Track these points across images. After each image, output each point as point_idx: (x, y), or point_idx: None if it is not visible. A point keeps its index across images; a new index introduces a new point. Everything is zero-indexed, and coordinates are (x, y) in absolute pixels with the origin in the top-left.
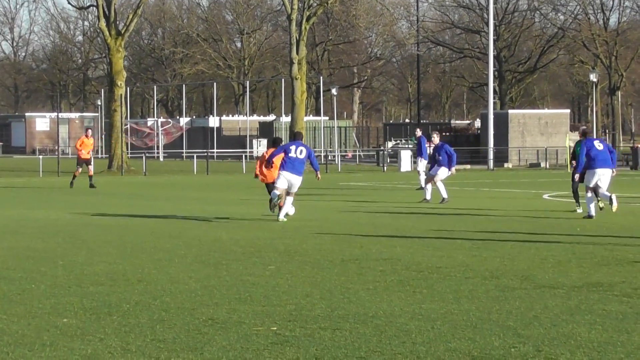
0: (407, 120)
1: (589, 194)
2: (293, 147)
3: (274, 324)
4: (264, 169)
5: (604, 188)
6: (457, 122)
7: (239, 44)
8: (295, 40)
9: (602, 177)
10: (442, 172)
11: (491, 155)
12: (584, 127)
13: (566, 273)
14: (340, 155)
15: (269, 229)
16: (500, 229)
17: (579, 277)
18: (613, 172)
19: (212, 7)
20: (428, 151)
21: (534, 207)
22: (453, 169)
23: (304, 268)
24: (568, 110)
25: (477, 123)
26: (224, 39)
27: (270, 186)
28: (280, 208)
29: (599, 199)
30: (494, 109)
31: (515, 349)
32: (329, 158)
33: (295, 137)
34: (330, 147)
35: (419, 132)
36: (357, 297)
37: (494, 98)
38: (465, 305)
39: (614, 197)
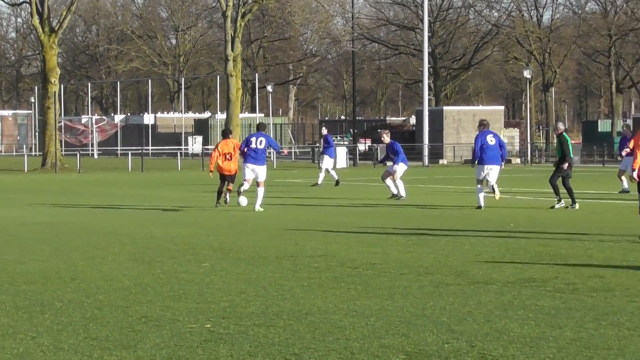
0: (342, 117)
1: (479, 186)
2: (254, 139)
3: (208, 321)
4: (219, 161)
5: (492, 181)
6: (392, 118)
7: (174, 41)
8: (230, 37)
9: (490, 171)
10: (400, 169)
11: (426, 152)
12: (484, 119)
13: (500, 269)
14: (276, 153)
15: (204, 226)
16: (435, 225)
17: (512, 273)
18: (501, 166)
19: (147, 4)
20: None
21: (469, 203)
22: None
23: (239, 265)
24: (502, 107)
25: (413, 120)
26: (159, 35)
27: (225, 178)
28: (226, 201)
29: (558, 200)
30: (429, 105)
31: (449, 344)
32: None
33: (258, 128)
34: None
35: (324, 131)
36: (291, 294)
37: (429, 95)
38: (400, 302)
39: (496, 187)
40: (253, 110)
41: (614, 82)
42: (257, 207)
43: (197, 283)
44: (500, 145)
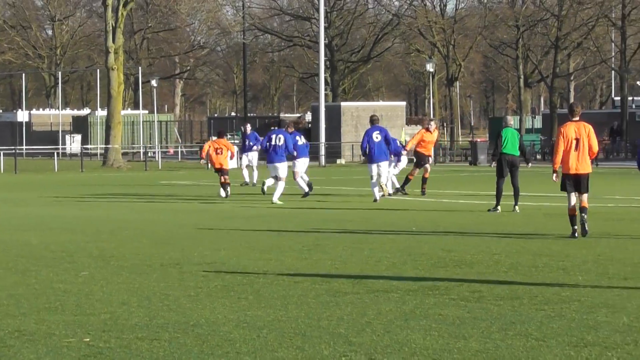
0: (233, 114)
1: (373, 180)
2: (273, 136)
3: (87, 335)
4: (214, 155)
5: (382, 178)
6: (286, 115)
7: (50, 32)
8: (111, 28)
9: (380, 168)
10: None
11: (323, 151)
12: (374, 114)
13: (401, 275)
14: (161, 152)
15: (83, 232)
16: (333, 229)
17: (414, 280)
18: (391, 162)
19: None
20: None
21: (367, 205)
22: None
23: (120, 274)
24: (404, 103)
25: (308, 116)
26: (34, 26)
27: (218, 171)
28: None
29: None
30: (326, 101)
31: (346, 357)
32: (149, 155)
33: (279, 126)
34: (150, 143)
35: (249, 128)
36: (177, 305)
37: (326, 89)
38: (294, 312)
39: (384, 186)
40: (136, 107)
41: (522, 76)
42: (275, 200)
43: (75, 293)
44: (387, 139)
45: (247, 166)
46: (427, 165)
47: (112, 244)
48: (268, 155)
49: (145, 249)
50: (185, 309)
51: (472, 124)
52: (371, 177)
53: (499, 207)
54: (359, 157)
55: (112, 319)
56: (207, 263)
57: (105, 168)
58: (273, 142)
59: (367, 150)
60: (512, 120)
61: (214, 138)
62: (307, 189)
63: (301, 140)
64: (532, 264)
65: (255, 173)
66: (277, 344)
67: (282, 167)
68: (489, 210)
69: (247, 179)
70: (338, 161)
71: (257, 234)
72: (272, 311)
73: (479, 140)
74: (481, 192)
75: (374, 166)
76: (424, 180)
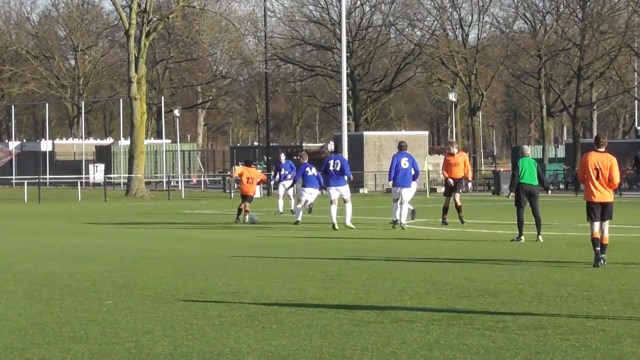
0: (255, 143)
1: (395, 203)
2: (331, 162)
3: None
4: (244, 182)
5: (405, 201)
6: (309, 144)
7: (72, 62)
8: (133, 58)
9: (403, 192)
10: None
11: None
12: (402, 141)
13: (425, 305)
14: (184, 181)
15: (107, 261)
16: (356, 258)
17: (438, 310)
18: (412, 186)
19: (43, 22)
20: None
21: (390, 235)
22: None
23: (144, 303)
24: (427, 132)
25: (331, 146)
26: (57, 56)
27: (245, 198)
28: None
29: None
30: (348, 130)
31: None
32: (172, 184)
33: (336, 150)
34: (173, 173)
35: (284, 157)
36: (201, 334)
37: (348, 119)
38: (318, 342)
39: (408, 210)
40: (159, 136)
41: (545, 106)
42: (348, 223)
43: (99, 322)
44: (414, 168)
45: (284, 195)
46: (457, 194)
47: (136, 273)
48: (328, 180)
49: (169, 278)
50: (210, 338)
51: (495, 154)
52: (393, 200)
53: (522, 237)
54: (382, 187)
55: (136, 348)
56: (231, 292)
57: (128, 197)
58: (331, 168)
59: (394, 174)
60: (529, 149)
61: (242, 164)
62: (299, 218)
63: (311, 171)
64: (556, 293)
65: (292, 201)
66: None
67: (345, 190)
68: (512, 240)
69: (281, 209)
70: (361, 190)
71: (280, 263)
72: (296, 340)
73: (501, 169)
74: (504, 222)
75: (398, 189)
76: (445, 210)
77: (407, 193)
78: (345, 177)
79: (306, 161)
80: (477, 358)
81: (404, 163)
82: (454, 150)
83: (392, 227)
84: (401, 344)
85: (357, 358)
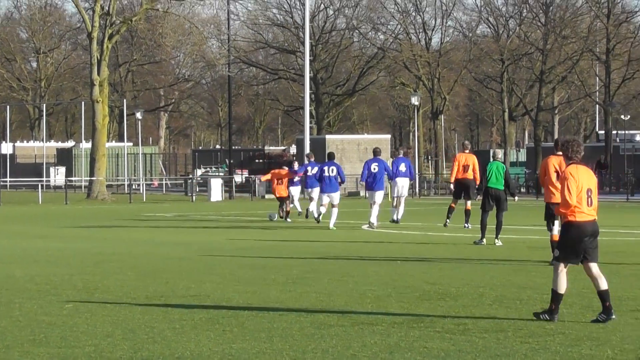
0: (217, 147)
1: (374, 207)
2: (326, 168)
3: None
4: (276, 185)
5: (377, 202)
6: (271, 148)
7: (34, 64)
8: (96, 60)
9: (375, 195)
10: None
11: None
12: (377, 147)
13: (386, 308)
14: (146, 184)
15: (67, 264)
16: (317, 263)
17: (399, 313)
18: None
19: (5, 24)
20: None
21: (351, 238)
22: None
23: (105, 306)
24: (389, 136)
25: (293, 149)
26: (18, 58)
27: (280, 200)
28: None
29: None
30: (311, 134)
31: None
32: (133, 187)
33: (329, 157)
34: (135, 176)
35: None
36: (162, 337)
37: (311, 122)
38: (279, 345)
39: (374, 218)
40: (121, 139)
41: (507, 110)
42: (332, 226)
43: (59, 326)
44: (386, 169)
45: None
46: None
47: (97, 277)
48: (322, 187)
49: (130, 282)
50: (170, 342)
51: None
52: (370, 205)
53: (484, 240)
54: (344, 190)
55: (96, 352)
56: (192, 295)
57: (89, 200)
58: (326, 174)
59: (367, 179)
60: (500, 153)
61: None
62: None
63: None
64: (516, 296)
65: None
66: None
67: (336, 196)
68: (474, 242)
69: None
70: None
71: (242, 266)
72: (257, 344)
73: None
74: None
75: (374, 193)
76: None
77: (379, 196)
78: (339, 182)
79: (313, 160)
80: None
81: (374, 167)
82: (467, 148)
83: (391, 222)
84: (362, 347)
85: None
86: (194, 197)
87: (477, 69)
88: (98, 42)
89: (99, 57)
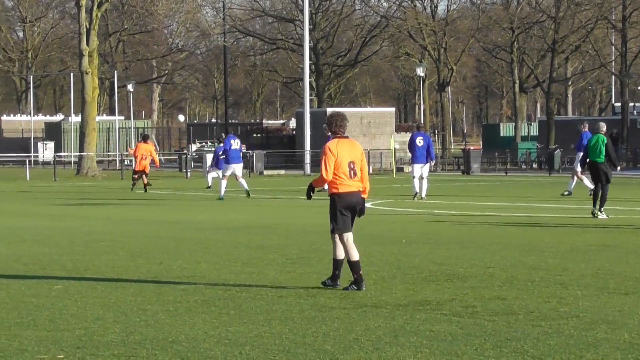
0: (213, 120)
1: (414, 179)
2: (232, 141)
3: (61, 351)
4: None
5: (424, 175)
6: (269, 122)
7: (21, 34)
8: (85, 30)
9: (422, 169)
10: None
11: (308, 159)
12: (420, 122)
13: (390, 290)
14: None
15: (56, 244)
16: (318, 242)
17: (404, 295)
18: (430, 164)
19: None
20: None
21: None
22: None
23: (96, 288)
24: (393, 109)
25: (292, 123)
26: (4, 28)
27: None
28: None
29: None
30: (311, 107)
31: None
32: (125, 163)
33: (228, 132)
34: (127, 151)
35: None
36: (155, 320)
37: (311, 95)
38: (278, 328)
39: (424, 188)
40: (112, 113)
41: (517, 81)
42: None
43: (48, 308)
44: (429, 145)
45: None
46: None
47: (87, 257)
48: (229, 158)
49: (122, 262)
50: (164, 325)
51: (465, 131)
52: (413, 177)
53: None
54: None
55: (87, 335)
56: (187, 276)
57: (79, 177)
58: (234, 147)
59: (411, 152)
60: (604, 127)
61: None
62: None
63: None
64: (528, 278)
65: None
66: None
67: (239, 168)
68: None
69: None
70: None
71: (239, 245)
72: (255, 327)
73: (472, 148)
74: (475, 203)
75: (415, 166)
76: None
77: (425, 170)
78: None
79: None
80: (444, 345)
81: (419, 141)
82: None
83: (413, 199)
84: (365, 331)
85: (319, 345)
86: (188, 174)
87: (485, 38)
88: (87, 10)
89: (88, 26)
